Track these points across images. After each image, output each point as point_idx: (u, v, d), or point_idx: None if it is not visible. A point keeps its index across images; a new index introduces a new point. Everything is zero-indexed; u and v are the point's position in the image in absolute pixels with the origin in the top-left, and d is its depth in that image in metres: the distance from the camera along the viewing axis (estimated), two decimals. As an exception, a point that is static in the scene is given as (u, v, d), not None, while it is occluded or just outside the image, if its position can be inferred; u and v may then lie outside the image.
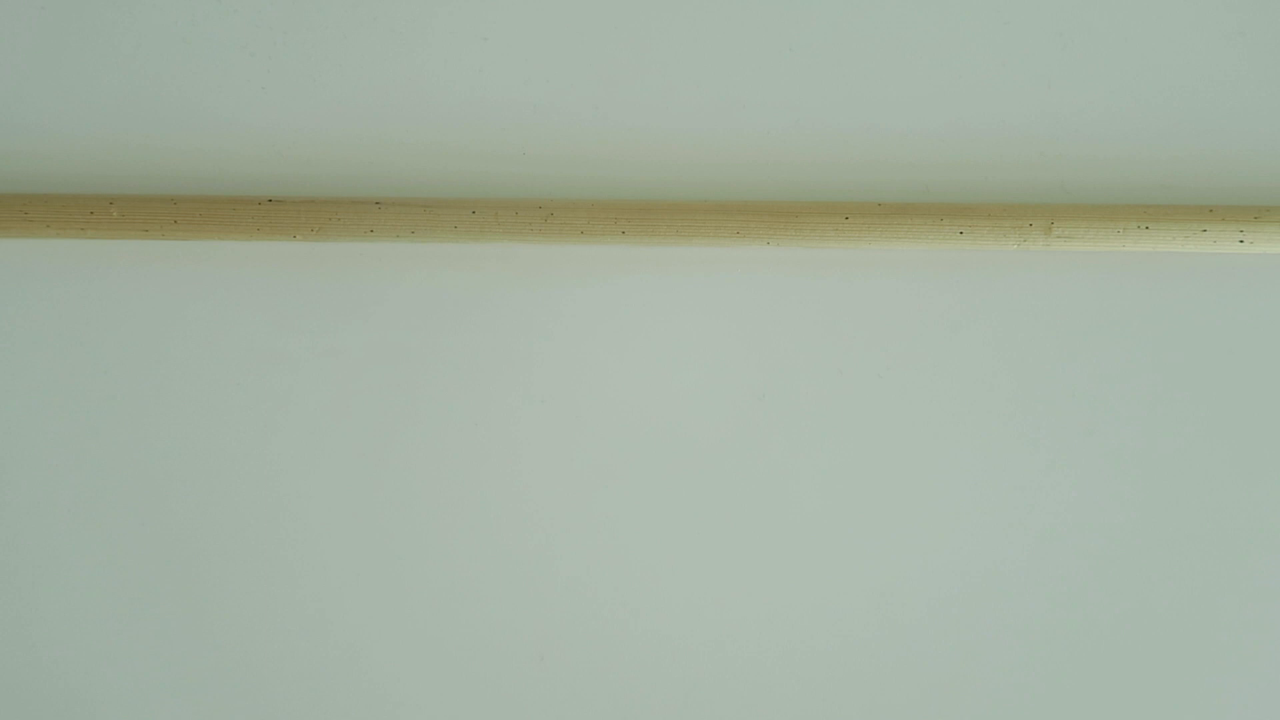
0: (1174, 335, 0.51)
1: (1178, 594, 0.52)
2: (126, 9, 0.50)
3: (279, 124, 0.50)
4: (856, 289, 0.51)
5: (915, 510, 0.52)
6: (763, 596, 0.53)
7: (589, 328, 0.51)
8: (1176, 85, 0.50)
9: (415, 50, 0.50)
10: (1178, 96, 0.50)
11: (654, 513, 0.52)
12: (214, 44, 0.50)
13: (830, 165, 0.50)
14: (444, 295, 0.51)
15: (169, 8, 0.50)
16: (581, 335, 0.51)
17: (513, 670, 0.53)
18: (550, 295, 0.51)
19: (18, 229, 0.49)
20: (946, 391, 0.51)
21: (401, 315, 0.51)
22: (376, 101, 0.50)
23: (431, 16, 0.50)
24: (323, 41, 0.50)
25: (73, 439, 0.52)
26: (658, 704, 0.54)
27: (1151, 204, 0.49)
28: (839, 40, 0.50)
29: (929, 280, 0.51)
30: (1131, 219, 0.48)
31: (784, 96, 0.50)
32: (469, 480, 0.52)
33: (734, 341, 0.51)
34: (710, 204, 0.49)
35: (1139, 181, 0.50)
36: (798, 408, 0.52)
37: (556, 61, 0.50)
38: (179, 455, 0.52)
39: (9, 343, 0.52)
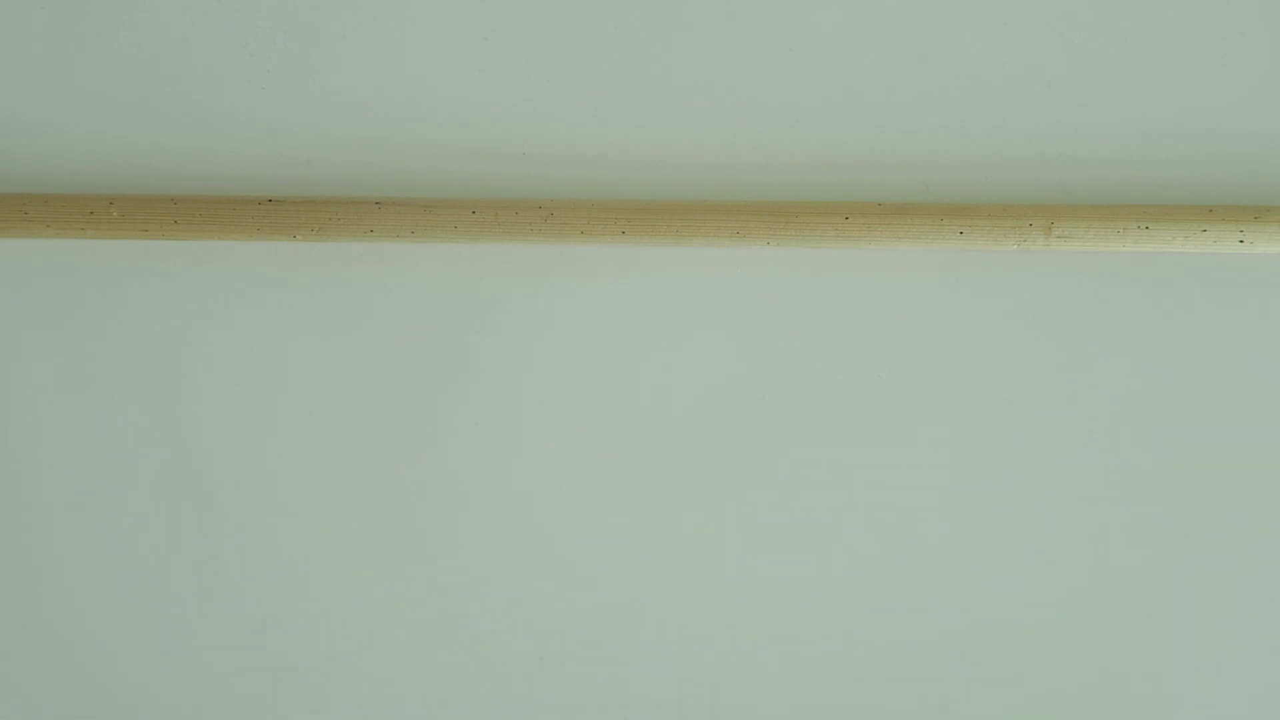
0: (1174, 335, 0.51)
1: (1178, 591, 0.52)
2: (126, 9, 0.50)
3: (279, 124, 0.50)
4: (856, 289, 0.51)
5: (915, 510, 0.52)
6: (763, 597, 0.53)
7: (589, 328, 0.51)
8: (1177, 85, 0.50)
9: (415, 50, 0.50)
10: (1178, 96, 0.50)
11: (653, 513, 0.52)
12: (214, 44, 0.50)
13: (830, 165, 0.50)
14: (444, 295, 0.51)
15: (169, 8, 0.50)
16: (581, 335, 0.51)
17: (514, 667, 0.53)
18: (550, 295, 0.51)
19: (18, 229, 0.49)
20: (946, 391, 0.51)
21: (401, 315, 0.51)
22: (376, 101, 0.50)
23: (432, 16, 0.50)
24: (323, 41, 0.50)
25: (73, 439, 0.52)
26: (657, 703, 0.54)
27: (1151, 204, 0.49)
28: (839, 40, 0.50)
29: (929, 280, 0.51)
30: (1131, 219, 0.48)
31: (784, 96, 0.50)
32: (468, 480, 0.52)
33: (734, 341, 0.51)
34: (710, 204, 0.49)
35: (1139, 181, 0.50)
36: (798, 408, 0.52)
37: (557, 62, 0.50)
38: (180, 455, 0.52)
39: (9, 343, 0.52)
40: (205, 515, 0.53)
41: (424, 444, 0.52)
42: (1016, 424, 0.51)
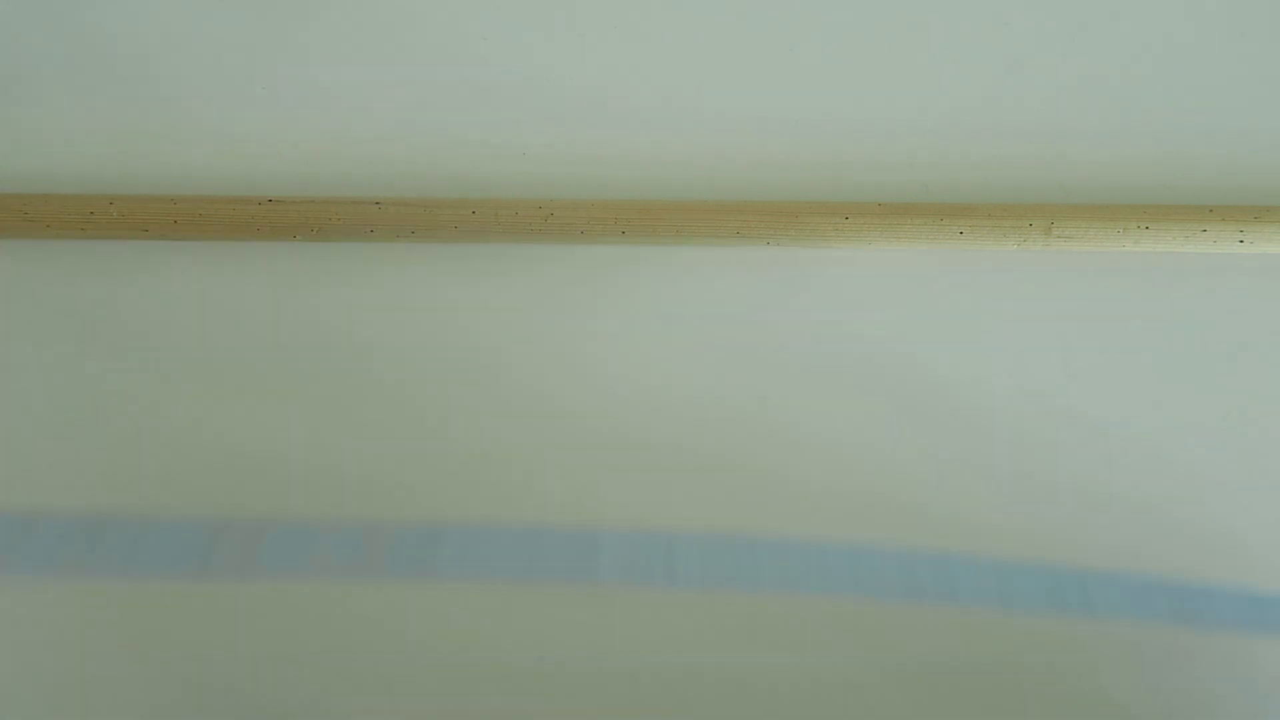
0: (1174, 335, 0.51)
1: (1178, 590, 0.52)
2: (127, 9, 0.50)
3: (279, 124, 0.50)
4: (856, 289, 0.51)
5: (915, 511, 0.52)
6: (763, 604, 0.53)
7: (589, 328, 0.51)
8: (1176, 85, 0.50)
9: (415, 50, 0.50)
10: (1178, 96, 0.50)
11: (652, 515, 0.52)
12: (214, 44, 0.50)
13: (830, 165, 0.50)
14: (444, 295, 0.51)
15: (169, 8, 0.50)
16: (582, 335, 0.51)
17: (510, 675, 0.53)
18: (550, 295, 0.51)
19: (18, 229, 0.49)
20: (946, 391, 0.51)
21: (401, 315, 0.51)
22: (376, 101, 0.50)
23: (431, 17, 0.50)
24: (323, 41, 0.50)
25: (73, 439, 0.52)
26: (653, 698, 0.54)
27: (1151, 204, 0.49)
28: (840, 40, 0.50)
29: (929, 280, 0.51)
30: (1131, 219, 0.48)
31: (785, 96, 0.50)
32: (467, 481, 0.52)
33: (734, 342, 0.51)
34: (710, 204, 0.49)
35: (1139, 181, 0.50)
36: (798, 408, 0.52)
37: (557, 61, 0.50)
38: (178, 455, 0.52)
39: (9, 343, 0.52)
40: (203, 515, 0.53)
41: (423, 444, 0.52)
42: (1016, 424, 0.51)
